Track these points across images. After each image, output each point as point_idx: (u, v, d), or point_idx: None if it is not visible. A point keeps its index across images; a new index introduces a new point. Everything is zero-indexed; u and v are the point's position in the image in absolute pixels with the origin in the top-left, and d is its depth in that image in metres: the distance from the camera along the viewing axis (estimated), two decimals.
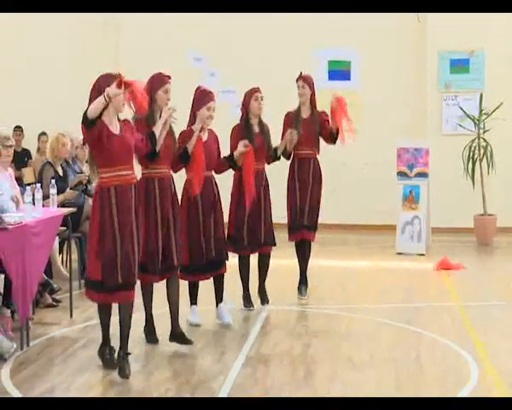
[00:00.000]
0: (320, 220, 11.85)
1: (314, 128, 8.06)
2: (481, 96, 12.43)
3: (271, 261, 8.16)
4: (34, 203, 7.60)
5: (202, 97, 6.85)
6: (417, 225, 11.36)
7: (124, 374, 5.86)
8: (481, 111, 12.30)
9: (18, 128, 13.34)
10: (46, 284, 8.17)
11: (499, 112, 12.04)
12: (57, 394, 5.56)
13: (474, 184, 12.11)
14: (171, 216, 6.50)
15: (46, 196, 8.01)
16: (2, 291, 7.55)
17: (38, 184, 8.11)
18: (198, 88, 6.97)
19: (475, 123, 12.29)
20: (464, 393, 5.65)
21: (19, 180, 9.64)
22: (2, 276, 7.39)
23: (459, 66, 13.00)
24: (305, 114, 8.10)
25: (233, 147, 7.39)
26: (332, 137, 8.13)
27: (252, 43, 12.96)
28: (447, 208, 12.26)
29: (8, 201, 7.67)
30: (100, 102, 5.48)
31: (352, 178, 12.98)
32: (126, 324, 5.96)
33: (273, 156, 7.90)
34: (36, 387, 5.81)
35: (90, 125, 5.56)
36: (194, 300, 7.32)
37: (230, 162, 7.36)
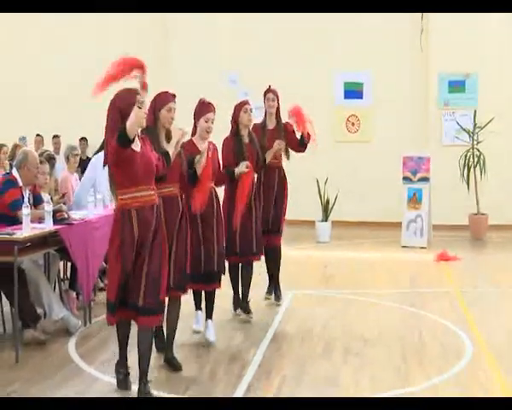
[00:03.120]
0: (338, 218, 11.97)
1: (280, 138, 7.21)
2: (475, 112, 12.36)
3: (292, 253, 8.03)
4: (95, 202, 7.65)
5: (201, 109, 6.01)
6: (420, 222, 11.33)
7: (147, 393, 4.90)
8: (475, 125, 12.22)
9: (83, 139, 13.41)
10: (105, 270, 8.22)
11: (490, 126, 11.94)
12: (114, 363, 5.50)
13: (468, 187, 12.05)
14: (180, 232, 5.53)
15: None
16: (69, 276, 7.62)
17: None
18: (199, 100, 6.08)
19: (470, 135, 12.21)
20: (460, 366, 5.61)
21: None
22: (69, 264, 7.46)
23: (456, 86, 12.93)
24: (271, 125, 7.32)
25: (224, 158, 6.56)
26: (301, 144, 7.38)
27: (281, 66, 12.93)
28: (446, 208, 12.17)
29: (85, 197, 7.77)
30: (136, 112, 4.54)
31: (364, 182, 12.91)
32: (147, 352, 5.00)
33: (261, 165, 6.99)
34: (96, 357, 5.87)
35: (130, 143, 4.58)
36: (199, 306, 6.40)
37: (229, 177, 6.49)
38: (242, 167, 6.47)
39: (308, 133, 7.33)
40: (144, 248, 4.79)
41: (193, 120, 6.11)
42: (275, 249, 7.47)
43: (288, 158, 7.47)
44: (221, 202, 6.43)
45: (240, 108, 6.71)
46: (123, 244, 4.74)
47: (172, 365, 5.58)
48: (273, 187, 7.35)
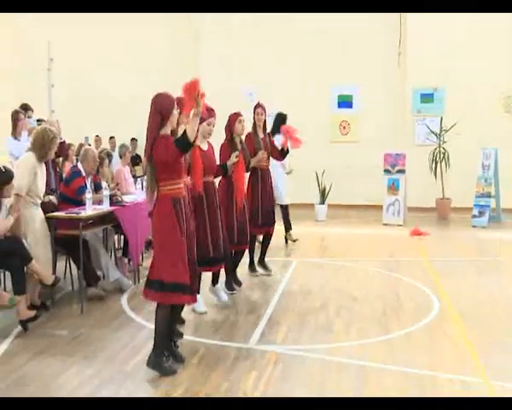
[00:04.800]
0: (332, 201, 11.93)
1: (268, 145, 6.87)
2: (441, 118, 12.22)
3: (296, 230, 7.95)
4: (143, 189, 7.67)
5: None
6: (397, 205, 11.25)
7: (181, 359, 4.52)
8: (441, 129, 12.09)
9: (134, 139, 13.41)
10: (150, 242, 8.22)
11: (453, 130, 11.82)
12: None
13: (436, 177, 11.95)
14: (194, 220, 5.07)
15: None
16: (122, 246, 7.64)
17: (145, 177, 8.15)
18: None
19: (437, 137, 12.09)
20: (429, 319, 5.59)
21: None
22: (122, 236, 7.48)
23: (427, 98, 12.79)
24: (261, 134, 6.81)
25: (223, 160, 6.06)
26: (282, 154, 6.98)
27: (288, 83, 12.91)
28: (418, 194, 12.08)
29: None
30: (196, 122, 4.13)
31: (353, 173, 12.82)
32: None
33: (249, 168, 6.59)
34: (143, 309, 5.86)
35: (191, 146, 4.21)
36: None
37: (224, 171, 6.01)
38: (232, 158, 5.98)
39: (287, 149, 6.94)
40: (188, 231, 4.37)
41: None
42: (269, 237, 7.18)
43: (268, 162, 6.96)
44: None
45: (235, 118, 6.19)
46: (181, 227, 4.25)
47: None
48: (268, 187, 6.90)
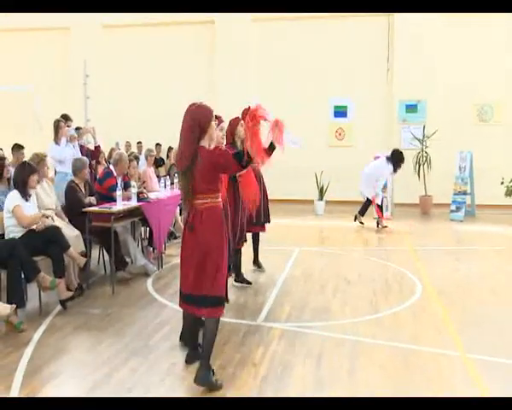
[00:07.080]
0: (329, 198, 11.87)
1: None
2: (424, 126, 12.16)
3: (298, 222, 7.93)
4: (165, 187, 7.66)
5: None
6: (385, 201, 11.11)
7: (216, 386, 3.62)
8: (424, 135, 12.02)
9: (158, 145, 13.39)
10: (172, 233, 8.24)
11: (434, 136, 11.75)
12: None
13: (419, 177, 11.87)
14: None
15: (172, 183, 8.05)
16: (147, 237, 7.63)
17: (167, 177, 8.16)
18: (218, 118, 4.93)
19: (420, 142, 12.01)
20: (413, 299, 5.53)
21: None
22: (148, 228, 7.47)
23: (411, 108, 12.70)
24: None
25: None
26: (271, 149, 5.59)
27: (292, 96, 12.85)
28: (403, 191, 12.01)
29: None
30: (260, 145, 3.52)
31: (347, 173, 12.71)
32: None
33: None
34: (166, 291, 5.88)
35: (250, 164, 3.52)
36: None
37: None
38: None
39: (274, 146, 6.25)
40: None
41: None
42: (259, 234, 6.46)
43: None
44: None
45: (237, 122, 5.55)
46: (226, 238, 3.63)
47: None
48: (260, 185, 6.05)
